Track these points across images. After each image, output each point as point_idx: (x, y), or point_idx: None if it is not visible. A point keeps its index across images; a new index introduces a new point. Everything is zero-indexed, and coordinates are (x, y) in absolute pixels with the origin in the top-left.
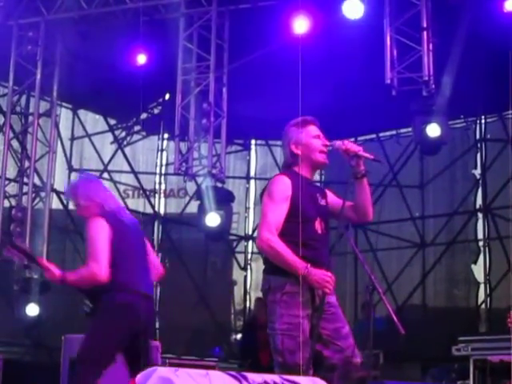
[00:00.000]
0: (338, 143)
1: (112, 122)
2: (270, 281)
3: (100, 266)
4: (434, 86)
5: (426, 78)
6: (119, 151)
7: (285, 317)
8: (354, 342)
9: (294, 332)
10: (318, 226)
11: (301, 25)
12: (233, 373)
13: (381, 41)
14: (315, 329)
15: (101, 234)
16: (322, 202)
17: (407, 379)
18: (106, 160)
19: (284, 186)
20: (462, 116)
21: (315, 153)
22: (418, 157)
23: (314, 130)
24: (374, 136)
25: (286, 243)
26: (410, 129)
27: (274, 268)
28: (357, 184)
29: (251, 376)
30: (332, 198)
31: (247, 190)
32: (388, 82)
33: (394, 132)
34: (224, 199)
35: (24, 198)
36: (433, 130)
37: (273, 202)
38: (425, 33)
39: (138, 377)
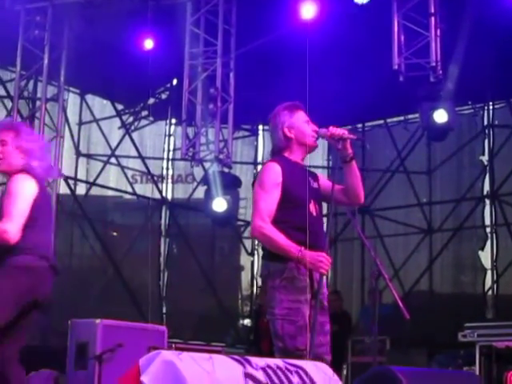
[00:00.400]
0: (322, 130)
1: (119, 107)
2: (268, 267)
3: (14, 226)
4: (441, 72)
5: (434, 64)
6: (127, 136)
7: (284, 302)
8: (330, 340)
9: (294, 317)
10: (313, 208)
11: (308, 10)
12: (236, 357)
13: (388, 26)
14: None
15: (27, 193)
16: (315, 185)
17: (413, 365)
18: (113, 145)
19: (274, 173)
20: (469, 102)
21: (307, 137)
22: (426, 143)
23: (303, 115)
24: (381, 122)
25: (281, 230)
26: (417, 115)
27: (273, 254)
28: (346, 167)
29: (254, 360)
30: (324, 182)
31: (254, 175)
32: (395, 67)
33: (401, 118)
34: (231, 184)
35: None
36: (440, 116)
37: (263, 190)
38: (432, 18)
39: (141, 360)
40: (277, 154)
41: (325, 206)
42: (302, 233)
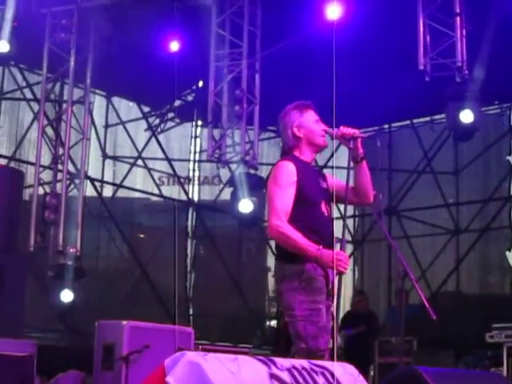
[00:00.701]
0: (334, 130)
1: (146, 109)
2: (284, 268)
3: None
4: (467, 72)
5: (459, 64)
6: (153, 138)
7: (305, 303)
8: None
9: (315, 317)
10: (324, 208)
11: (333, 10)
12: (261, 357)
13: (414, 27)
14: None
15: None
16: (324, 185)
17: (440, 366)
18: (139, 147)
19: (288, 171)
20: (496, 102)
21: (317, 136)
22: (452, 143)
23: (313, 114)
24: (408, 122)
25: (296, 229)
26: (443, 115)
27: (289, 255)
28: (357, 167)
29: (279, 361)
30: (332, 182)
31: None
32: (421, 68)
33: (428, 118)
34: (257, 186)
35: (58, 185)
36: (466, 116)
37: (279, 188)
38: (458, 18)
39: (167, 361)
40: (287, 153)
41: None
42: (314, 233)
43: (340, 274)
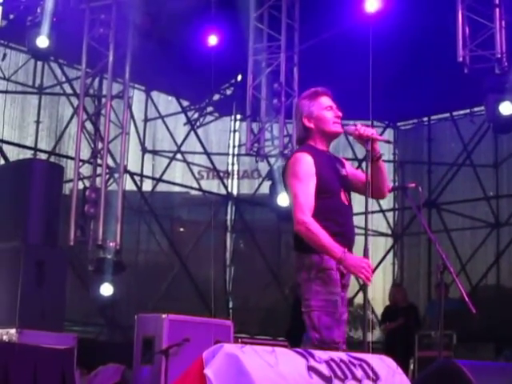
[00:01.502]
0: (351, 128)
1: (185, 103)
2: (303, 258)
3: None
4: (506, 64)
5: (499, 56)
6: (192, 132)
7: (321, 294)
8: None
9: (331, 308)
10: (344, 197)
11: (372, 3)
12: (299, 350)
13: (453, 18)
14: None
15: None
16: (343, 172)
17: (480, 360)
18: (179, 141)
19: (307, 163)
20: None
21: (328, 124)
22: (492, 136)
23: (326, 101)
24: (447, 115)
25: (318, 222)
26: (483, 107)
27: (307, 246)
28: (372, 166)
29: (318, 353)
30: (351, 170)
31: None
32: (460, 59)
33: (467, 111)
34: None
35: (98, 180)
36: (506, 108)
37: (300, 182)
38: (497, 10)
39: (205, 353)
40: (301, 143)
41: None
42: (335, 224)
43: (364, 283)
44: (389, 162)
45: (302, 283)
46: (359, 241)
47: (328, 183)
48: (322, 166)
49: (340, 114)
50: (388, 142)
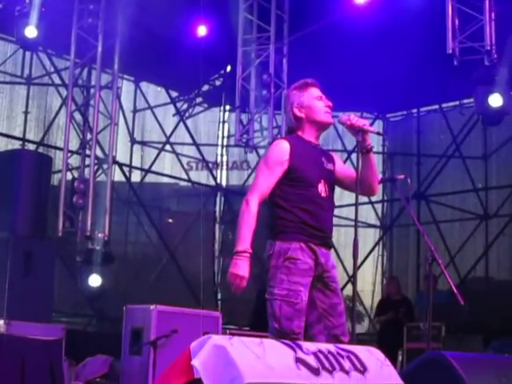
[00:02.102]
0: (343, 118)
1: (174, 94)
2: (273, 246)
3: None
4: (496, 56)
5: (488, 48)
6: (181, 123)
7: (285, 283)
8: (345, 320)
9: (293, 298)
10: (322, 188)
11: None
12: (287, 341)
13: (442, 10)
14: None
15: None
16: (329, 166)
17: (469, 352)
18: (168, 132)
19: (280, 150)
20: None
21: (319, 114)
22: (482, 128)
23: (315, 91)
24: (436, 107)
25: (288, 208)
26: (473, 99)
27: (277, 233)
28: (363, 158)
29: (305, 345)
30: (341, 166)
31: None
32: (450, 51)
33: (457, 103)
34: None
35: (86, 170)
36: (495, 100)
37: (266, 167)
38: (486, 1)
39: (193, 344)
40: (291, 133)
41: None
42: (306, 213)
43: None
44: (378, 153)
45: (269, 270)
46: (349, 232)
47: (302, 173)
48: (300, 155)
49: (330, 103)
50: (378, 133)
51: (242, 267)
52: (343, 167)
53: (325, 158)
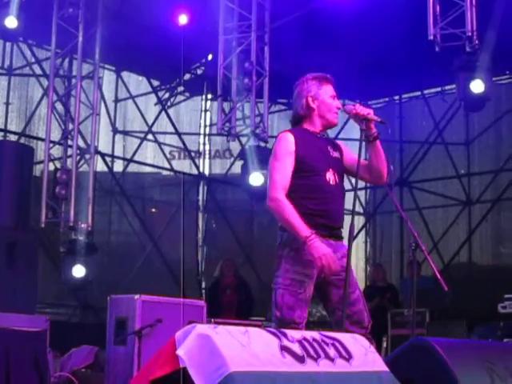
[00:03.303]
0: (349, 107)
1: (155, 83)
2: (282, 236)
3: None
4: (477, 42)
5: (470, 34)
6: (163, 112)
7: (289, 272)
8: (363, 307)
9: (296, 288)
10: (331, 176)
11: None
12: (272, 330)
13: None
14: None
15: None
16: (335, 154)
17: (453, 337)
18: (150, 121)
19: (286, 142)
20: (507, 72)
21: (330, 113)
22: (464, 114)
23: (331, 89)
24: (418, 93)
25: (294, 199)
26: (454, 85)
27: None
28: (370, 147)
29: (290, 333)
30: (348, 154)
31: None
32: (431, 38)
33: (438, 89)
34: (267, 159)
35: (69, 161)
36: (477, 86)
37: (277, 161)
38: None
39: (177, 334)
40: (296, 123)
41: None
42: (314, 202)
43: (321, 272)
44: (357, 140)
45: (277, 260)
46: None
47: (309, 162)
48: (305, 145)
49: (340, 105)
50: (382, 122)
51: (318, 248)
52: (350, 155)
53: (331, 146)
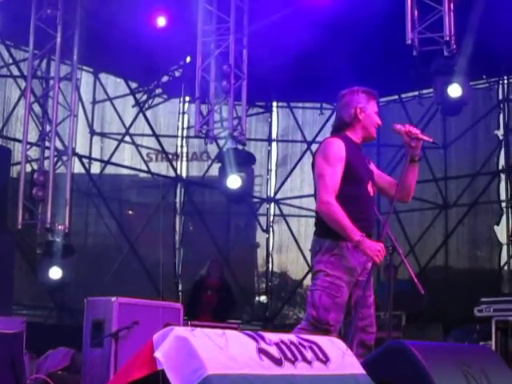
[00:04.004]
0: (399, 126)
1: (133, 85)
2: (321, 243)
3: None
4: (455, 46)
5: (447, 38)
6: (141, 114)
7: (329, 276)
8: (373, 312)
9: (334, 292)
10: (370, 188)
11: None
12: (250, 332)
13: (402, 0)
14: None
15: None
16: (371, 167)
17: (429, 340)
18: (127, 123)
19: (338, 147)
20: (484, 76)
21: (372, 127)
22: (441, 118)
23: (376, 105)
24: (396, 97)
25: (342, 206)
26: (432, 90)
27: (327, 231)
28: (410, 166)
29: (268, 335)
30: (376, 170)
31: (269, 152)
32: (409, 42)
33: (416, 93)
34: (245, 161)
35: (46, 162)
36: (454, 91)
37: (329, 165)
38: None
39: (155, 336)
40: (339, 130)
41: None
42: (358, 213)
43: (375, 264)
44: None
45: (316, 264)
46: (310, 223)
47: (357, 171)
48: (353, 154)
49: (380, 123)
50: (434, 142)
51: (372, 245)
52: (379, 172)
53: (366, 159)
